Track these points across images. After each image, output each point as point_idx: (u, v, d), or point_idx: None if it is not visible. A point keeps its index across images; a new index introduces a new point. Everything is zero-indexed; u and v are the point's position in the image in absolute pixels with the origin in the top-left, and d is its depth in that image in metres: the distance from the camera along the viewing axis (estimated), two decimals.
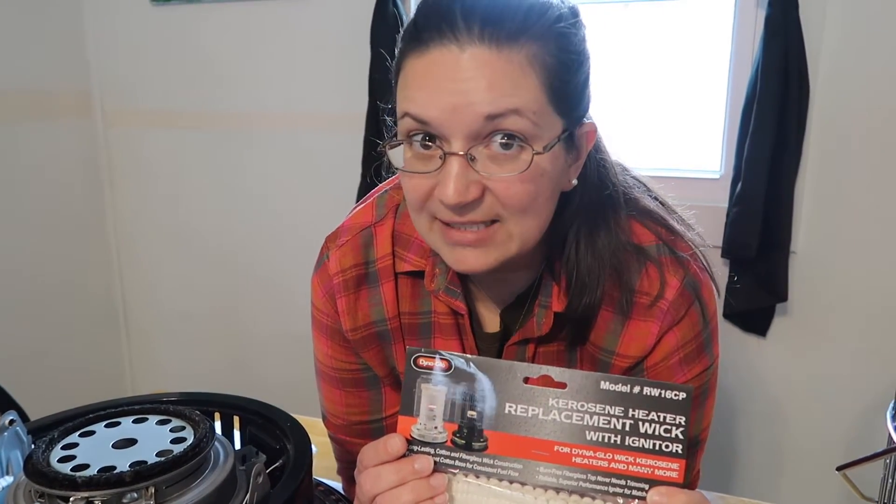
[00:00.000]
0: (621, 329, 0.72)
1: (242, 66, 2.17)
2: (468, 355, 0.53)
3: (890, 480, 0.59)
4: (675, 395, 0.51)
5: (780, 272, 1.68)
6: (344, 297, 0.77)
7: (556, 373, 0.51)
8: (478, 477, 0.54)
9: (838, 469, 0.56)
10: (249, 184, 2.25)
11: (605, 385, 0.50)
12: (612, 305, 0.72)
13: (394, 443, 0.56)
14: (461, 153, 0.60)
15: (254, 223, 2.27)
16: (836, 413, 1.73)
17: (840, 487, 1.75)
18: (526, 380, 0.51)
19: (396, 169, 0.67)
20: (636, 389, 0.50)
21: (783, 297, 1.69)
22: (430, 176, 0.62)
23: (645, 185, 0.78)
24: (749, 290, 1.71)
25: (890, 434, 0.57)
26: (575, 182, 0.68)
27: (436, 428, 0.53)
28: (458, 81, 0.59)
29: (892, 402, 0.61)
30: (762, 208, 1.63)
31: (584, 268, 0.70)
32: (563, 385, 0.51)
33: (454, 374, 0.52)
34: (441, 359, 0.52)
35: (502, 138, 0.60)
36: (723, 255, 1.71)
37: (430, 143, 0.62)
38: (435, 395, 0.52)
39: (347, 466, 0.87)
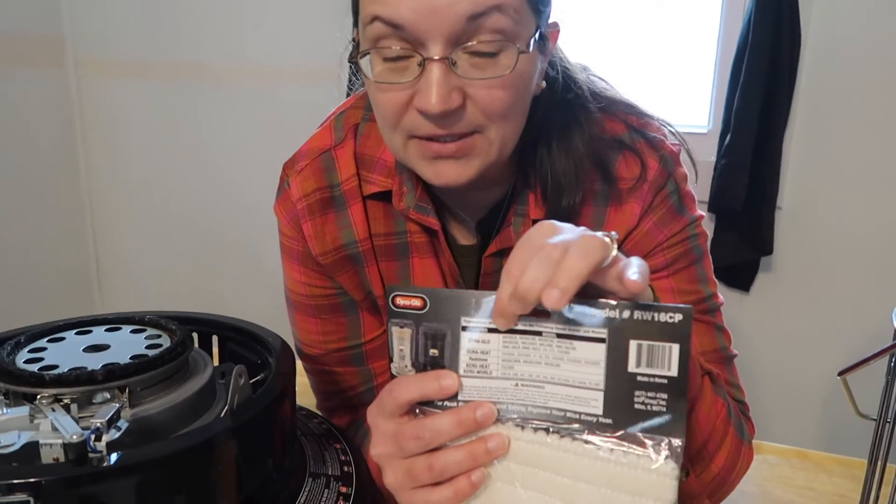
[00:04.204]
0: (604, 218, 0.70)
1: (221, 16, 2.10)
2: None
3: (891, 389, 0.57)
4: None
5: (765, 226, 1.67)
6: (309, 222, 0.74)
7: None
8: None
9: (840, 374, 0.54)
10: (227, 137, 2.19)
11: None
12: (593, 198, 0.70)
13: (448, 380, 0.48)
14: (442, 57, 0.56)
15: (231, 176, 2.22)
16: (817, 367, 1.74)
17: (820, 440, 1.76)
18: None
19: (354, 84, 0.62)
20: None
21: (768, 251, 1.69)
22: (407, 86, 0.58)
23: (606, 82, 0.75)
24: (734, 245, 1.70)
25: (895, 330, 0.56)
26: (543, 84, 0.66)
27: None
28: None
29: None
30: (750, 161, 1.62)
31: (558, 169, 0.67)
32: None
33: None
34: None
35: (485, 38, 0.56)
36: (709, 210, 1.70)
37: (403, 53, 0.57)
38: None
39: (327, 398, 0.84)
